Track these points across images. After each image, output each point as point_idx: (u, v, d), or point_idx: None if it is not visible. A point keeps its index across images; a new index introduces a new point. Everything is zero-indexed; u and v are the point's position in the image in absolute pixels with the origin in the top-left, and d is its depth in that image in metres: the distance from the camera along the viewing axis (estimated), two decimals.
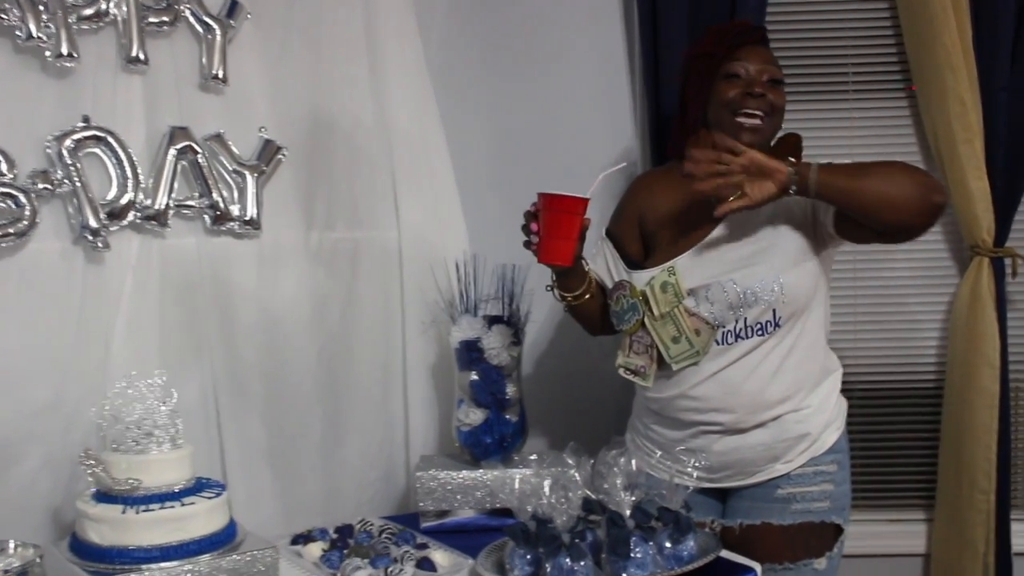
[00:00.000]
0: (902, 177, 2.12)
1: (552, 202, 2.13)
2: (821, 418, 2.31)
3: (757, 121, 2.25)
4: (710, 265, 2.26)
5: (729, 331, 2.24)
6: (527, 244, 2.20)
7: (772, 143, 2.32)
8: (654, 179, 2.50)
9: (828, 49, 3.02)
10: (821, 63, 3.02)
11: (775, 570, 2.27)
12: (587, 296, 2.37)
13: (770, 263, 2.22)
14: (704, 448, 2.28)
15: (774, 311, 2.22)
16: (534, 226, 2.17)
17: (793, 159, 2.19)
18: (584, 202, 2.13)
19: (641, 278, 2.32)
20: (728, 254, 2.26)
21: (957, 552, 2.94)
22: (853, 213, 2.14)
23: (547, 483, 2.04)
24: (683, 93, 2.38)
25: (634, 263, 2.39)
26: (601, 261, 2.44)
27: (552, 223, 2.14)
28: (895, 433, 3.10)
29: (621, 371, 2.37)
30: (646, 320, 2.29)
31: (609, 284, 2.40)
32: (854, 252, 2.91)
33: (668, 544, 2.03)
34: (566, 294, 2.37)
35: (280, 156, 2.47)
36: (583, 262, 2.33)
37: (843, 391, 2.41)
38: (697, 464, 2.19)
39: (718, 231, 2.28)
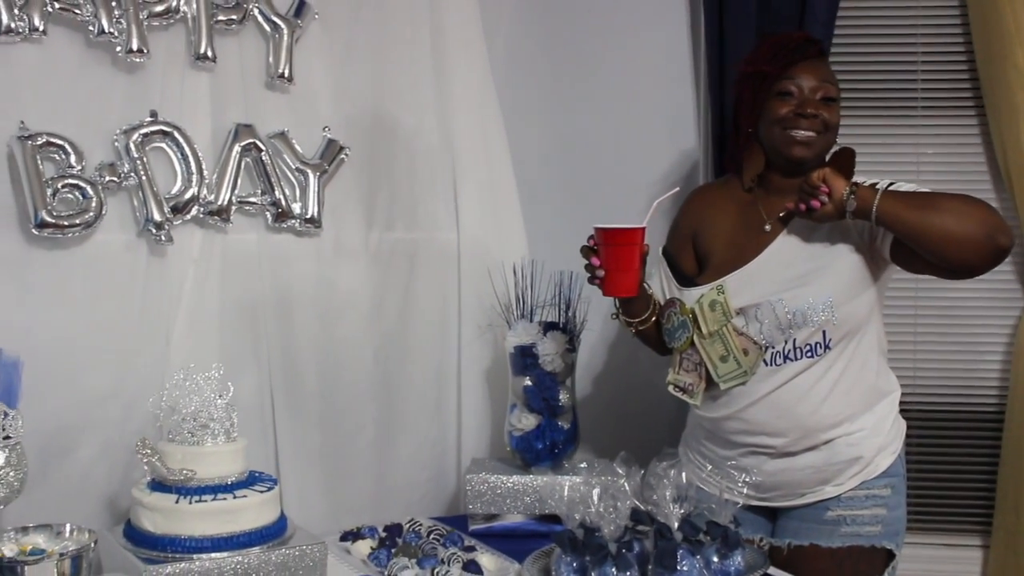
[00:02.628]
0: (969, 214, 2.07)
1: (611, 237, 2.13)
2: (875, 441, 2.27)
3: (810, 134, 2.22)
4: (760, 285, 2.23)
5: (778, 352, 2.21)
6: (591, 280, 2.20)
7: (827, 158, 2.29)
8: (710, 194, 2.48)
9: (897, 63, 2.98)
10: (889, 77, 2.98)
11: None
12: (652, 320, 2.35)
13: (821, 284, 2.19)
14: (754, 467, 2.26)
15: (824, 333, 2.19)
16: (596, 261, 2.16)
17: (848, 176, 2.17)
18: (641, 232, 2.14)
19: (691, 296, 2.31)
20: (779, 274, 2.23)
21: None
22: (913, 245, 2.10)
23: (596, 492, 2.03)
24: (737, 109, 2.37)
25: (686, 279, 2.37)
26: (656, 280, 2.42)
27: (613, 256, 2.14)
28: (953, 456, 3.04)
29: (671, 388, 2.36)
30: (695, 338, 2.28)
31: (663, 302, 2.39)
32: None
33: (715, 559, 2.01)
34: (632, 320, 2.35)
35: (343, 156, 2.49)
36: (646, 287, 2.31)
37: (901, 412, 2.37)
38: (747, 480, 2.17)
39: (770, 251, 2.26)
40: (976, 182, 2.92)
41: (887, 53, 2.98)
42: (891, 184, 2.18)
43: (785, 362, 2.22)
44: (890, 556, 2.29)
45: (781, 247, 2.26)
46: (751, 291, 2.23)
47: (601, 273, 2.17)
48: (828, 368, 2.22)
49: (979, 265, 2.09)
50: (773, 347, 2.21)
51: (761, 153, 2.31)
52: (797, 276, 2.22)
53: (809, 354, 2.21)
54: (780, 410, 2.23)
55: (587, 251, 2.18)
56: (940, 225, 2.05)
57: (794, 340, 2.20)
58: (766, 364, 2.22)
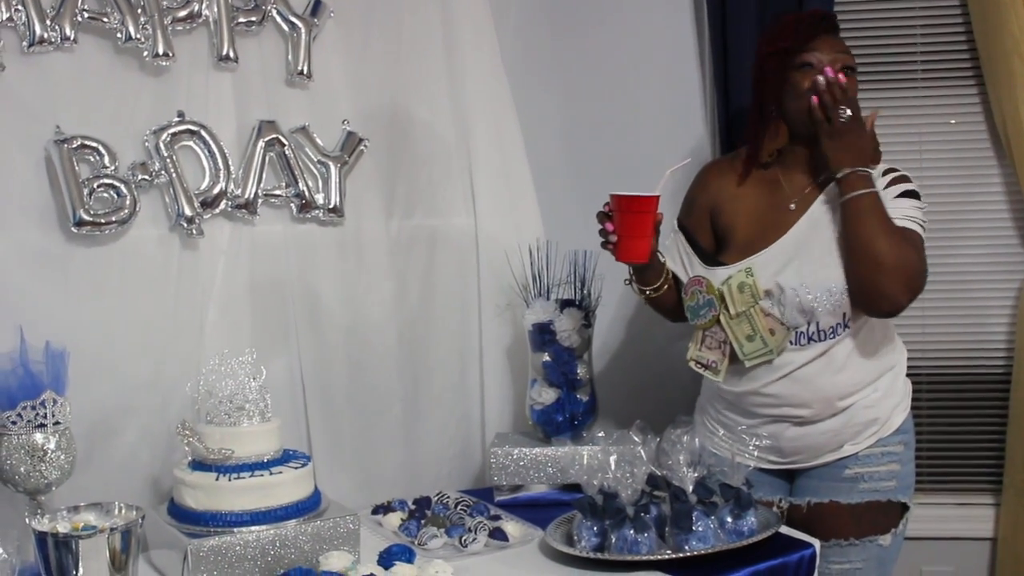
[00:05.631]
0: (909, 248, 2.18)
1: (625, 203, 2.18)
2: (889, 402, 2.34)
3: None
4: (789, 263, 2.27)
5: (802, 333, 2.26)
6: (604, 244, 2.25)
7: None
8: (724, 169, 2.49)
9: (896, 36, 3.02)
10: (889, 50, 3.02)
11: (841, 545, 2.32)
12: (665, 288, 2.41)
13: (840, 268, 2.23)
14: (775, 435, 2.33)
15: (844, 314, 2.25)
16: (609, 226, 2.21)
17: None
18: (655, 200, 2.18)
19: (718, 276, 2.33)
20: (802, 255, 2.27)
21: None
22: (848, 236, 2.19)
23: (613, 459, 2.11)
24: (759, 88, 2.38)
25: (707, 256, 2.40)
26: (675, 254, 2.44)
27: (627, 223, 2.20)
28: (963, 418, 3.09)
29: (692, 364, 2.40)
30: (721, 317, 2.32)
31: (683, 276, 2.41)
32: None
33: (729, 519, 2.09)
34: (645, 287, 2.41)
35: (362, 147, 2.55)
36: (659, 255, 2.36)
37: (911, 376, 2.43)
38: (758, 444, 2.25)
39: (796, 230, 2.30)
40: (977, 153, 2.96)
41: (886, 27, 3.02)
42: (892, 182, 2.26)
43: (809, 343, 2.27)
44: (904, 508, 2.36)
45: (806, 226, 2.30)
46: (779, 273, 2.27)
47: (614, 239, 2.22)
48: (847, 344, 2.28)
49: (877, 302, 2.21)
50: (797, 328, 2.26)
51: (783, 128, 2.34)
52: (818, 259, 2.25)
53: (831, 335, 2.26)
54: (802, 384, 2.29)
55: (602, 216, 2.24)
56: (884, 250, 2.15)
57: (817, 323, 2.25)
58: (791, 343, 2.27)
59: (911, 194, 2.28)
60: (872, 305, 2.22)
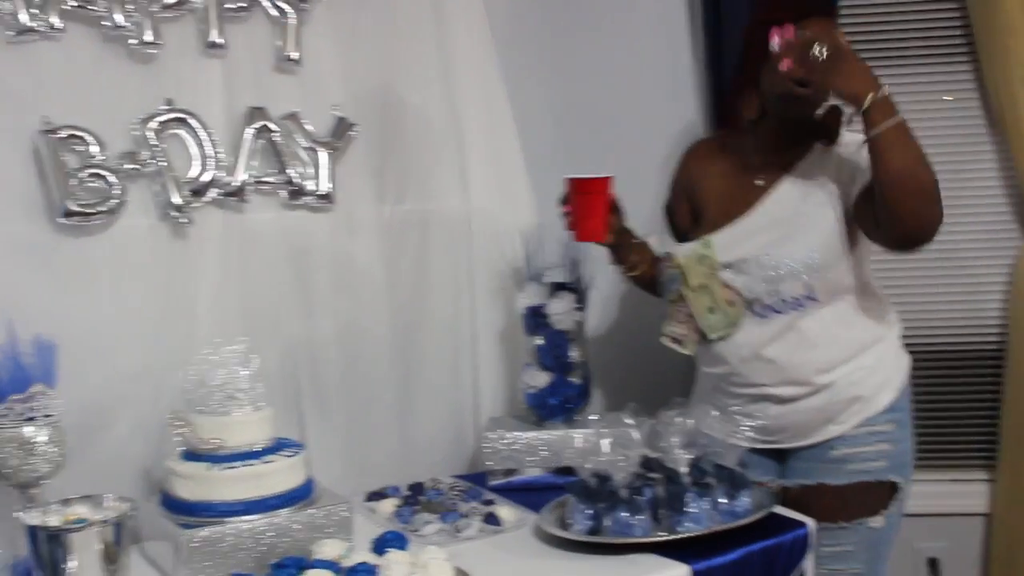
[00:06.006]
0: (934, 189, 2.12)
1: (577, 185, 2.28)
2: (875, 379, 2.33)
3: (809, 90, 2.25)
4: (748, 239, 2.29)
5: (765, 304, 2.27)
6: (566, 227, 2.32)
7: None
8: (704, 150, 2.53)
9: (891, 12, 3.01)
10: (884, 27, 3.01)
11: (831, 529, 2.31)
12: (644, 267, 2.45)
13: (806, 238, 2.25)
14: (759, 412, 2.33)
15: (809, 285, 2.25)
16: (566, 208, 2.29)
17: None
18: (605, 181, 2.26)
19: (681, 250, 2.37)
20: (765, 229, 2.28)
21: (1018, 512, 2.95)
22: (887, 184, 2.09)
23: (605, 441, 2.12)
24: (746, 55, 2.38)
25: (682, 234, 2.43)
26: (657, 235, 2.50)
27: (580, 204, 2.29)
28: (958, 393, 3.10)
29: (664, 339, 2.43)
30: (683, 290, 2.35)
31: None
32: None
33: (723, 500, 2.09)
34: (619, 266, 2.46)
35: (352, 133, 2.53)
36: (631, 237, 2.39)
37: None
38: (751, 423, 2.26)
39: (760, 206, 2.31)
40: (971, 129, 2.96)
41: (880, 3, 3.01)
42: None
43: (773, 314, 2.28)
44: (895, 488, 2.35)
45: (771, 202, 2.31)
46: (739, 246, 2.29)
47: (570, 220, 2.30)
48: (819, 318, 2.28)
49: (924, 231, 2.14)
50: (760, 299, 2.27)
51: (756, 99, 2.33)
52: (782, 230, 2.27)
53: (796, 306, 2.26)
54: (776, 364, 2.30)
55: (563, 200, 2.30)
56: (925, 177, 2.09)
57: (779, 292, 2.26)
58: (754, 315, 2.29)
59: None
60: (917, 236, 2.16)
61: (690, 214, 2.49)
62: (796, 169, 2.32)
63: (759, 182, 2.35)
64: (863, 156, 2.17)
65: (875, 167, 2.11)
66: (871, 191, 2.15)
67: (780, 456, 2.44)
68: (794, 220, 2.27)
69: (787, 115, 2.28)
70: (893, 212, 2.11)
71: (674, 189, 2.55)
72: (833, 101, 2.13)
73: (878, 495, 2.35)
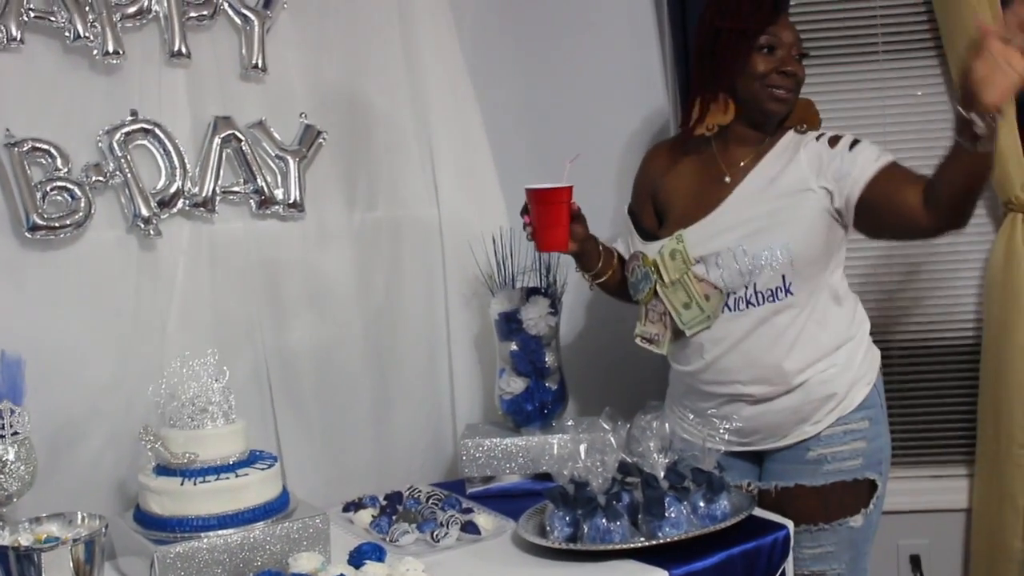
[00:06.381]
0: None
1: (536, 195, 2.26)
2: (847, 376, 2.32)
3: (788, 92, 2.29)
4: (721, 235, 2.28)
5: (740, 297, 2.27)
6: (528, 237, 2.32)
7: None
8: (664, 152, 2.52)
9: (855, 9, 3.00)
10: (849, 23, 3.00)
11: (811, 531, 2.31)
12: (609, 273, 2.45)
13: (779, 230, 2.24)
14: (733, 414, 2.33)
15: (784, 277, 2.25)
16: (526, 219, 2.29)
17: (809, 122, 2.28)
18: (565, 190, 2.25)
19: (652, 248, 2.37)
20: (739, 222, 2.28)
21: (997, 507, 2.95)
22: (965, 181, 2.04)
23: (582, 447, 2.11)
24: (709, 62, 2.35)
25: (648, 233, 2.43)
26: (622, 239, 2.51)
27: (541, 214, 2.27)
28: (935, 390, 3.10)
29: (638, 340, 2.43)
30: (658, 288, 2.35)
31: (627, 257, 2.47)
32: None
33: (702, 504, 2.09)
34: (585, 273, 2.45)
35: (321, 140, 2.52)
36: (596, 243, 2.40)
37: (881, 348, 2.43)
38: (728, 427, 2.25)
39: (729, 201, 2.31)
40: (941, 124, 2.94)
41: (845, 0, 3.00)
42: (832, 141, 2.26)
43: (748, 307, 2.27)
44: (874, 486, 2.35)
45: (740, 197, 2.31)
46: (712, 241, 2.29)
47: (530, 230, 2.30)
48: (794, 315, 2.27)
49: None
50: (734, 292, 2.27)
51: (732, 106, 2.33)
52: (756, 223, 2.26)
53: (771, 298, 2.26)
54: (750, 359, 2.29)
55: (523, 210, 2.30)
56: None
57: (754, 285, 2.26)
58: (729, 309, 2.28)
59: (856, 141, 2.27)
60: (965, 222, 2.14)
61: (655, 215, 2.49)
62: (764, 164, 2.33)
63: (727, 179, 2.35)
64: (854, 160, 2.21)
65: (975, 160, 2.00)
66: (888, 187, 2.17)
67: (757, 458, 2.43)
68: (768, 213, 2.27)
69: (766, 116, 2.32)
70: (967, 200, 2.08)
71: (637, 191, 2.54)
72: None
73: (856, 494, 2.34)
